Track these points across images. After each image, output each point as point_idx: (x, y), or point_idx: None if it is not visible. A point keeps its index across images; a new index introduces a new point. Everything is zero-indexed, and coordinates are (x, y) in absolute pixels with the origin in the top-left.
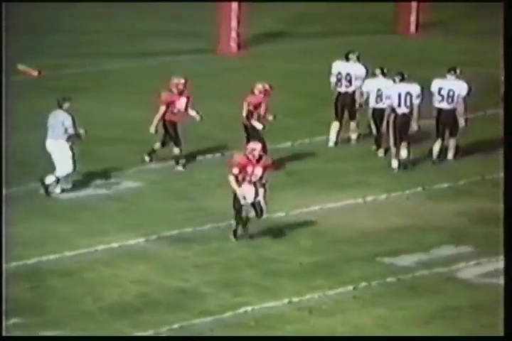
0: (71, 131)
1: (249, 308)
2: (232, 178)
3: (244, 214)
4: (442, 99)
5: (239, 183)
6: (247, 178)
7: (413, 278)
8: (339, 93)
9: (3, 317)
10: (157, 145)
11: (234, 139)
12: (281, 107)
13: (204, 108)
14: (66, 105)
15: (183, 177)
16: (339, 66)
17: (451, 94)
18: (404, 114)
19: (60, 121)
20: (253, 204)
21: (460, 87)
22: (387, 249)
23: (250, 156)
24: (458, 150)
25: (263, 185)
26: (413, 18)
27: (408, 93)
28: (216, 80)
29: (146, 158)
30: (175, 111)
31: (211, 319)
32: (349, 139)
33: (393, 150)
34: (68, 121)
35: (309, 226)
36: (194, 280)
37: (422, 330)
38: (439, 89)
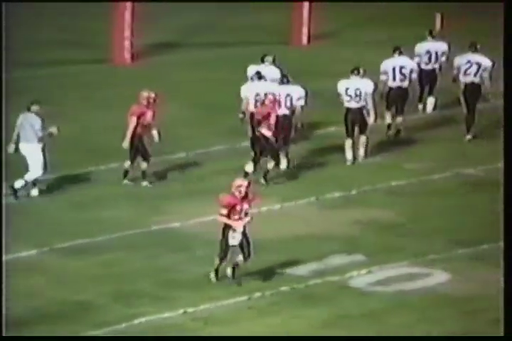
0: (41, 133)
1: (144, 319)
2: (222, 218)
3: (229, 255)
4: (350, 99)
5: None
6: (236, 216)
7: (307, 287)
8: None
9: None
10: (127, 163)
11: (124, 150)
12: (177, 117)
13: (96, 118)
14: (35, 108)
15: (78, 188)
16: (253, 69)
17: (358, 92)
18: (285, 115)
19: (29, 123)
20: (241, 246)
21: (366, 85)
22: (282, 258)
23: (237, 193)
24: (366, 149)
25: (246, 214)
26: (305, 29)
27: (288, 95)
28: (109, 90)
29: (126, 182)
30: (145, 123)
31: (106, 330)
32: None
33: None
34: (38, 124)
35: (205, 236)
36: (89, 292)
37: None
38: (346, 90)
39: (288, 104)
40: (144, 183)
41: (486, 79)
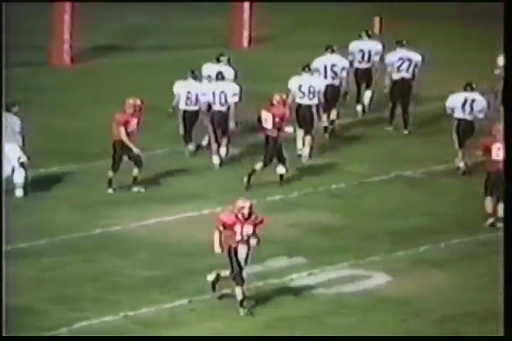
0: (21, 133)
1: (85, 323)
2: (216, 235)
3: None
4: (303, 96)
5: (227, 242)
6: (238, 238)
7: (248, 290)
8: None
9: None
10: (111, 173)
11: (64, 152)
12: None
13: (37, 121)
14: (15, 109)
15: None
16: (208, 68)
17: (311, 90)
18: (220, 111)
19: (10, 124)
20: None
21: (318, 82)
22: (223, 261)
23: (239, 215)
24: (311, 149)
25: (256, 237)
26: (246, 32)
27: (223, 92)
28: (49, 94)
29: (110, 191)
30: (129, 131)
31: (46, 335)
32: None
33: (214, 146)
34: (18, 125)
35: (147, 239)
36: (29, 296)
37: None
38: (299, 86)
39: (222, 100)
40: (136, 189)
41: (417, 74)
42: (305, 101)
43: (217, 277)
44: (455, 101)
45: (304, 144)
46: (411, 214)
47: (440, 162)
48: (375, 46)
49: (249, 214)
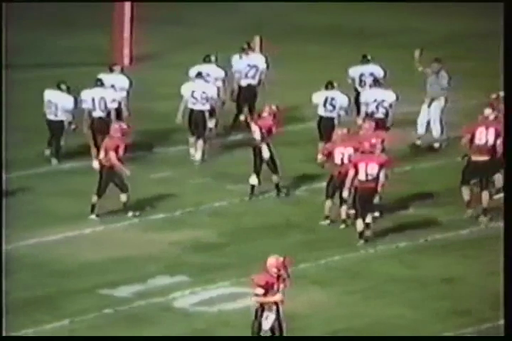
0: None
1: None
2: (259, 298)
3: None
4: (196, 101)
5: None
6: (272, 292)
7: (130, 309)
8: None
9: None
10: (95, 198)
11: None
12: None
13: None
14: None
15: None
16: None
17: (203, 96)
18: (100, 117)
19: (60, 102)
20: (272, 330)
21: (211, 89)
22: (106, 280)
23: (274, 272)
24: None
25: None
26: (127, 50)
27: (102, 98)
28: None
29: (93, 217)
30: (119, 155)
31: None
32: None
33: (93, 151)
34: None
35: (28, 259)
36: None
37: None
38: (192, 92)
39: (102, 106)
40: (130, 214)
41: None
42: (197, 107)
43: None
44: (316, 99)
45: (196, 149)
46: (291, 231)
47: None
48: (260, 61)
49: (282, 270)
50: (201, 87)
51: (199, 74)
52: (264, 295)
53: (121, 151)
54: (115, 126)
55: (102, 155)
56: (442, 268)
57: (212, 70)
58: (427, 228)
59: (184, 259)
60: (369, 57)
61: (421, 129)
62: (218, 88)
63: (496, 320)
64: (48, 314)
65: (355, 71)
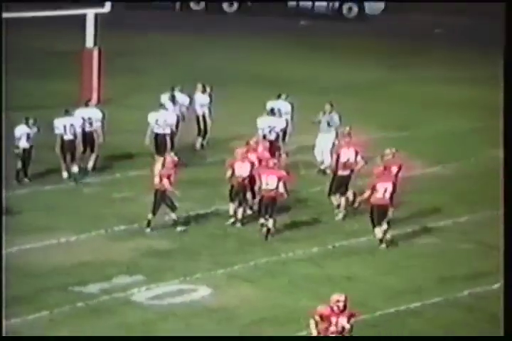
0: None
1: None
2: (312, 324)
3: None
4: (159, 127)
5: (322, 331)
6: (332, 329)
7: (97, 303)
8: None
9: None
10: (150, 215)
11: None
12: None
13: None
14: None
15: None
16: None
17: (165, 122)
18: (69, 140)
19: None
20: None
21: (171, 117)
22: (76, 280)
23: (335, 308)
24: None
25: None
26: (95, 94)
27: (72, 125)
28: None
29: (148, 230)
30: (171, 182)
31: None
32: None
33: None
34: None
35: (12, 263)
36: None
37: None
38: (156, 120)
39: (72, 131)
40: (179, 228)
41: None
42: (160, 131)
43: None
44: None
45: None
46: (229, 238)
47: None
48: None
49: (344, 307)
50: (163, 116)
51: (162, 105)
52: (326, 328)
53: (172, 178)
54: (168, 158)
55: (156, 181)
56: (345, 269)
57: (180, 97)
58: (333, 235)
59: (141, 262)
60: (282, 96)
61: (319, 157)
62: (178, 115)
63: (386, 309)
64: (28, 306)
65: (269, 104)
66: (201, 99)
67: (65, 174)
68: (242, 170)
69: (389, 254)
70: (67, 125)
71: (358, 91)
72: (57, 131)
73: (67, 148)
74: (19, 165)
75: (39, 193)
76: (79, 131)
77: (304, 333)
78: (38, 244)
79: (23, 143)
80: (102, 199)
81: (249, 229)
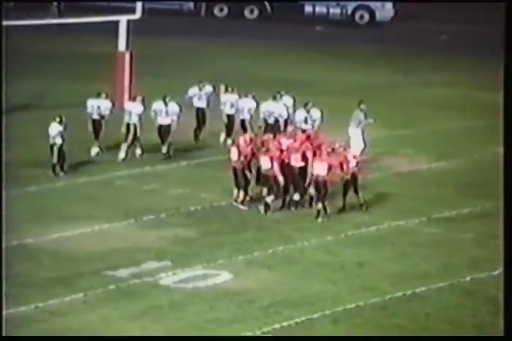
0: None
1: (4, 312)
2: None
3: None
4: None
5: None
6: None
7: (128, 286)
8: None
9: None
10: (235, 190)
11: None
12: None
13: None
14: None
15: None
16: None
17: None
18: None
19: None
20: None
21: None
22: (109, 265)
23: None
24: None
25: None
26: (126, 95)
27: (98, 106)
28: None
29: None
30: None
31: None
32: None
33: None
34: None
35: (51, 249)
36: None
37: (132, 324)
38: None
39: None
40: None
41: None
42: (162, 121)
43: None
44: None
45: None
46: (249, 228)
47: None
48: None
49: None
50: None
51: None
52: None
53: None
54: (242, 139)
55: (235, 159)
56: (356, 256)
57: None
58: (345, 225)
59: (168, 249)
60: (282, 92)
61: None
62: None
63: (394, 293)
64: (66, 288)
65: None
66: (227, 98)
67: (94, 150)
68: (264, 162)
69: (397, 243)
70: (94, 106)
71: (369, 93)
72: (88, 110)
73: (95, 127)
74: (54, 159)
75: (75, 186)
76: (107, 113)
77: (318, 315)
78: (74, 231)
79: (58, 140)
80: (132, 191)
81: (268, 220)
